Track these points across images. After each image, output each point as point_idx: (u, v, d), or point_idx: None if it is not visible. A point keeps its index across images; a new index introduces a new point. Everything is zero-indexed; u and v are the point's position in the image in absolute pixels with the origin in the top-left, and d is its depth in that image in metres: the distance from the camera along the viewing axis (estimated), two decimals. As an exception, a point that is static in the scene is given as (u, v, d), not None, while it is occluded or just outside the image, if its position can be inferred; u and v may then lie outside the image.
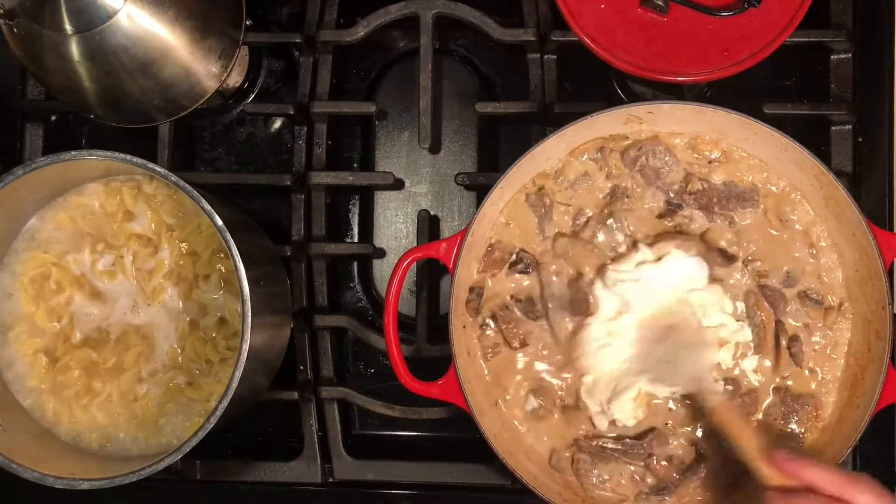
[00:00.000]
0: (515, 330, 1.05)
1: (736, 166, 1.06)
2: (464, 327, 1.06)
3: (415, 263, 1.11)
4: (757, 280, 1.05)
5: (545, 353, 1.05)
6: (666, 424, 1.04)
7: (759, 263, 1.05)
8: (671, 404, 1.04)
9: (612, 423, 1.03)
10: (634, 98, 1.19)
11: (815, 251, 1.05)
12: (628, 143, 1.06)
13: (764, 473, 0.91)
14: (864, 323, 1.03)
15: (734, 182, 1.05)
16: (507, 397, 1.05)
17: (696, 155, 1.06)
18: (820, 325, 1.04)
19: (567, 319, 1.04)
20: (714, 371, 1.03)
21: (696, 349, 1.02)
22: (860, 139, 1.14)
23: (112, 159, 0.99)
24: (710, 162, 1.06)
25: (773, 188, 1.05)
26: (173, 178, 0.98)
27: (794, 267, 1.05)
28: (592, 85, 1.21)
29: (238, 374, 0.95)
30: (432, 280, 1.21)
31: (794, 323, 1.04)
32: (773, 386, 1.04)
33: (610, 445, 1.03)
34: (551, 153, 1.05)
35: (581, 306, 1.03)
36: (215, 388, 1.06)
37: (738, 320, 1.03)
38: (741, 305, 1.03)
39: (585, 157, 1.06)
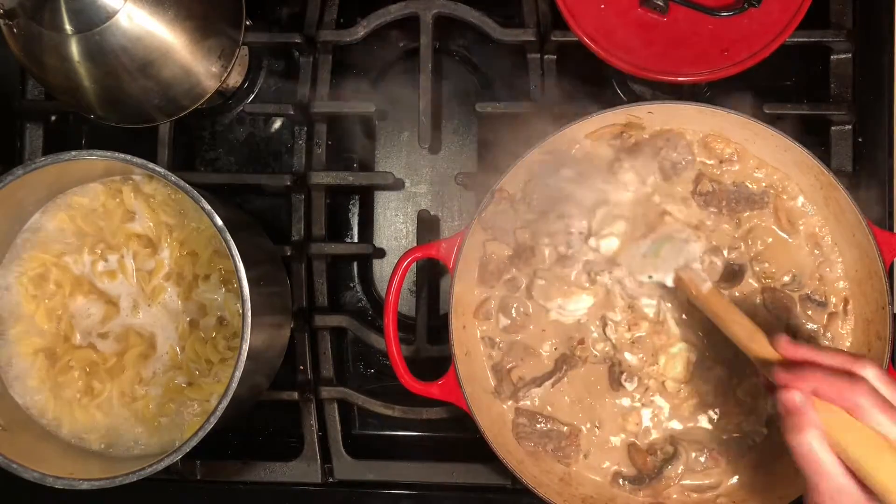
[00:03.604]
0: None
1: (748, 166, 1.05)
2: (463, 327, 1.06)
3: (415, 263, 1.11)
4: (763, 283, 1.04)
5: None
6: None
7: (766, 265, 1.05)
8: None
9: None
10: (634, 98, 1.19)
11: (819, 252, 1.05)
12: (649, 134, 1.06)
13: (758, 356, 0.89)
14: (864, 323, 1.03)
15: (745, 183, 1.05)
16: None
17: (708, 155, 1.06)
18: (822, 328, 1.04)
19: None
20: (699, 260, 1.02)
21: (679, 240, 1.02)
22: (860, 139, 1.14)
23: (112, 159, 0.99)
24: (721, 162, 1.05)
25: (784, 190, 1.05)
26: (173, 178, 0.98)
27: (800, 270, 1.05)
28: (592, 85, 1.21)
29: (238, 374, 0.95)
30: (432, 280, 1.21)
31: (802, 328, 1.04)
32: None
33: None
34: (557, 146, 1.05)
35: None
36: (215, 388, 1.06)
37: None
38: None
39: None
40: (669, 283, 1.01)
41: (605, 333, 1.05)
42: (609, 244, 1.02)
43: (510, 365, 1.06)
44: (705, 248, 1.03)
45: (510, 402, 1.06)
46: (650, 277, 1.02)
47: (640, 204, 1.04)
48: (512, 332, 1.07)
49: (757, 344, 0.90)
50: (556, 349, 1.06)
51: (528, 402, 1.06)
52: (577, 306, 1.05)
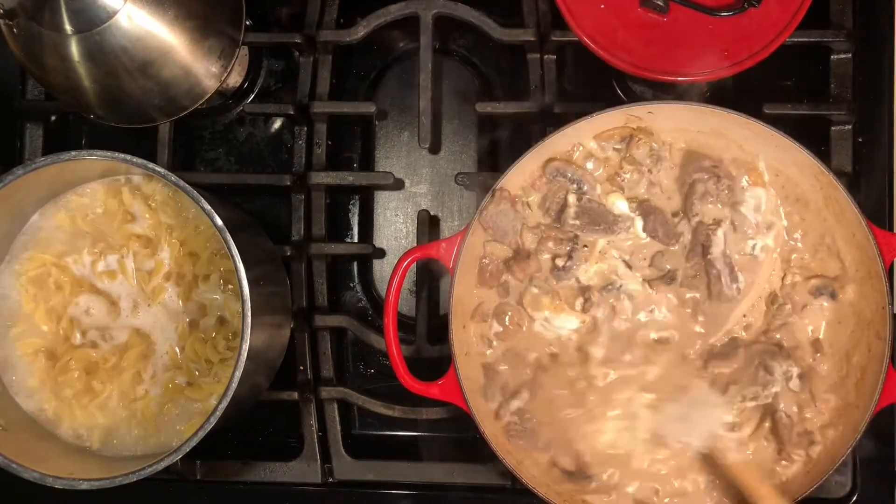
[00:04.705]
0: None
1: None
2: (463, 327, 1.06)
3: (415, 263, 1.11)
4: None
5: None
6: None
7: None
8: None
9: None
10: (634, 98, 1.19)
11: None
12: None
13: None
14: (864, 323, 1.03)
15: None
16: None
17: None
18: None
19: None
20: (726, 428, 1.02)
21: (708, 405, 1.02)
22: (860, 139, 1.14)
23: (112, 159, 0.99)
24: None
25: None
26: (173, 178, 0.98)
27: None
28: (592, 85, 1.21)
29: (238, 374, 0.95)
30: (432, 280, 1.21)
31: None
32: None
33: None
34: (559, 147, 1.05)
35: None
36: (215, 388, 1.06)
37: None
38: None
39: (610, 148, 1.07)
40: (702, 447, 1.02)
41: (580, 370, 1.05)
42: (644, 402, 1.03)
43: (503, 367, 1.06)
44: (734, 414, 1.03)
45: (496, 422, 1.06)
46: (679, 442, 1.02)
47: (675, 364, 1.04)
48: (505, 339, 1.06)
49: None
50: (534, 359, 1.06)
51: (514, 419, 1.05)
52: (563, 325, 1.05)
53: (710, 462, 1.02)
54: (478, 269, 1.06)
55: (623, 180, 1.06)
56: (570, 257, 1.04)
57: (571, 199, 1.05)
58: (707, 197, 1.04)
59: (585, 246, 1.05)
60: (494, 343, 1.06)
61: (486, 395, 1.05)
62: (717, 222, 1.04)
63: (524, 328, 1.06)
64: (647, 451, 1.03)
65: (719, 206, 1.04)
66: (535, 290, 1.05)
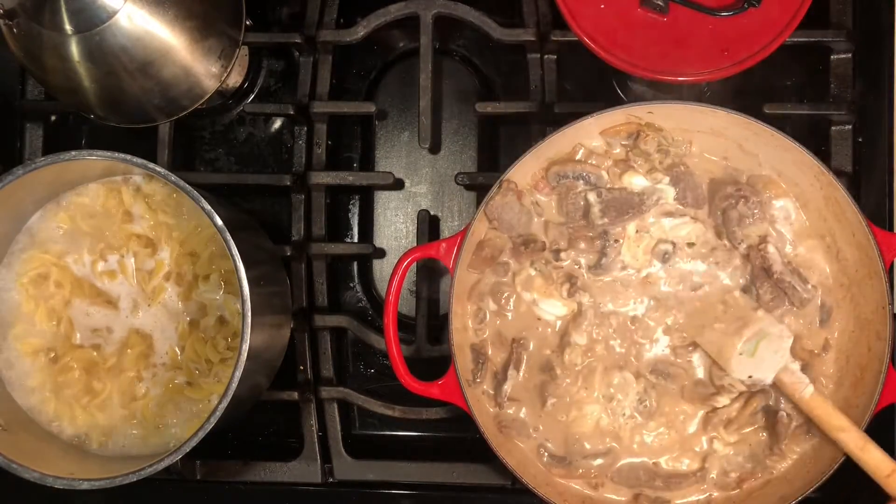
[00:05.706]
0: None
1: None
2: (464, 328, 1.06)
3: (415, 263, 1.11)
4: None
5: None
6: None
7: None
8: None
9: None
10: (634, 98, 1.19)
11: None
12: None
13: (870, 467, 0.94)
14: (864, 323, 1.03)
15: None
16: None
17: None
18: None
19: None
20: (795, 360, 1.02)
21: (774, 336, 1.01)
22: (860, 139, 1.14)
23: (112, 159, 0.99)
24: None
25: None
26: (173, 178, 0.98)
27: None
28: (592, 85, 1.21)
29: (238, 374, 0.95)
30: (432, 280, 1.21)
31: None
32: None
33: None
34: (560, 147, 1.05)
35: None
36: (215, 388, 1.06)
37: None
38: None
39: (618, 147, 1.06)
40: (769, 382, 1.01)
41: (562, 356, 1.05)
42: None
43: (490, 352, 1.06)
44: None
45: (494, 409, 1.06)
46: (750, 378, 1.01)
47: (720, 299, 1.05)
48: (495, 319, 1.06)
49: (868, 455, 0.94)
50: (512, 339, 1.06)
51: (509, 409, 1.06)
52: (549, 309, 1.05)
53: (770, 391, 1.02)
54: (473, 252, 1.06)
55: (634, 163, 1.06)
56: (604, 254, 1.04)
57: (592, 197, 1.04)
58: (744, 220, 1.04)
59: (617, 241, 1.05)
60: (483, 325, 1.06)
61: (476, 377, 1.05)
62: (763, 238, 1.04)
63: (511, 309, 1.06)
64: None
65: (757, 223, 1.04)
66: (533, 272, 1.05)
